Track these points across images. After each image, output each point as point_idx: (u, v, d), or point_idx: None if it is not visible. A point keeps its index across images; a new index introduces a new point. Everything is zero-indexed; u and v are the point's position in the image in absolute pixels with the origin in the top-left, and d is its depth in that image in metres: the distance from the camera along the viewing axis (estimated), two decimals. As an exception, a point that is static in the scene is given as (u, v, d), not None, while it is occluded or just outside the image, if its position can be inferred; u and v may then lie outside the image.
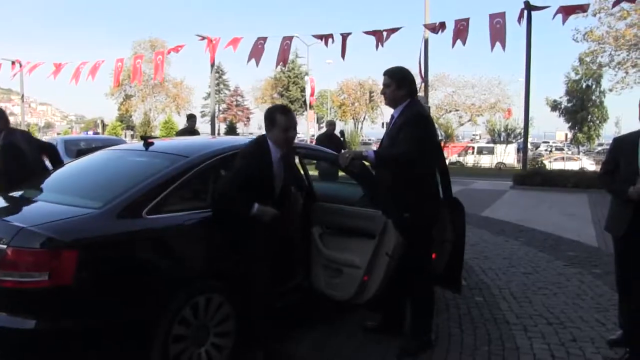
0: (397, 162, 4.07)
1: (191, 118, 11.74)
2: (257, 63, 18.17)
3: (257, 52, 18.27)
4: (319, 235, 4.49)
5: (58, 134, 51.96)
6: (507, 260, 7.22)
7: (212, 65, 23.17)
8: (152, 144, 4.35)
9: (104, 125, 44.12)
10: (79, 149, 9.82)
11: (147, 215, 3.43)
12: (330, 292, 4.34)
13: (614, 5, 17.33)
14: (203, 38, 21.45)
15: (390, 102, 4.24)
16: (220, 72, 67.50)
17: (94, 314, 3.11)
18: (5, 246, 2.97)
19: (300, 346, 4.28)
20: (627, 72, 30.32)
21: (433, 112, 41.74)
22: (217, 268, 3.80)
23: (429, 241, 4.24)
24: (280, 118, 3.86)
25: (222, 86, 69.00)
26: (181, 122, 53.48)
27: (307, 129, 43.83)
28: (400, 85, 4.15)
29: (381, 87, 4.28)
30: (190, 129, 11.27)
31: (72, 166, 4.51)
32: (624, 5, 17.77)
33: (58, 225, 3.11)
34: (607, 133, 49.54)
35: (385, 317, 4.56)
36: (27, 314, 2.98)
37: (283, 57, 18.59)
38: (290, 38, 18.49)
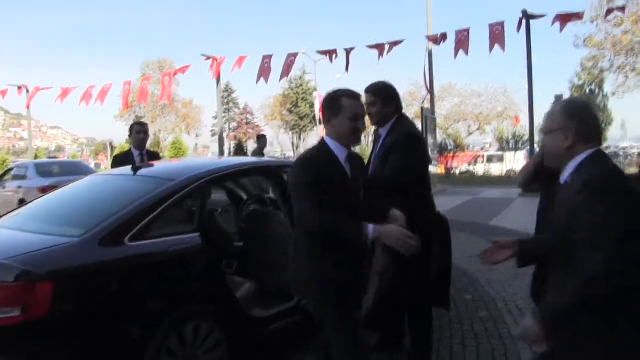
0: (384, 187, 3.89)
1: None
2: (267, 81, 18.25)
3: (264, 70, 18.36)
4: None
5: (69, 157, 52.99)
6: (513, 271, 7.05)
7: (218, 83, 23.26)
8: (139, 167, 4.30)
9: (112, 148, 44.41)
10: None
11: (129, 242, 3.33)
12: None
13: (606, 15, 18.11)
14: (208, 58, 21.52)
15: (378, 121, 4.05)
16: (230, 90, 67.90)
17: (71, 349, 3.00)
18: None
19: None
20: (627, 76, 32.13)
21: (441, 122, 41.63)
22: (205, 293, 3.70)
23: (422, 258, 4.08)
24: (348, 102, 2.96)
25: (231, 104, 69.36)
26: (191, 142, 53.85)
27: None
28: (386, 102, 3.98)
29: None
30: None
31: (55, 193, 4.42)
32: (619, 13, 18.45)
33: (34, 257, 3.01)
34: (613, 136, 49.51)
35: (384, 335, 4.43)
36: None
37: (287, 72, 18.66)
38: (295, 54, 18.58)
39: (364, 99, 3.98)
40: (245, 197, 5.40)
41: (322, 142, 3.05)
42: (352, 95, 3.00)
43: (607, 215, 2.04)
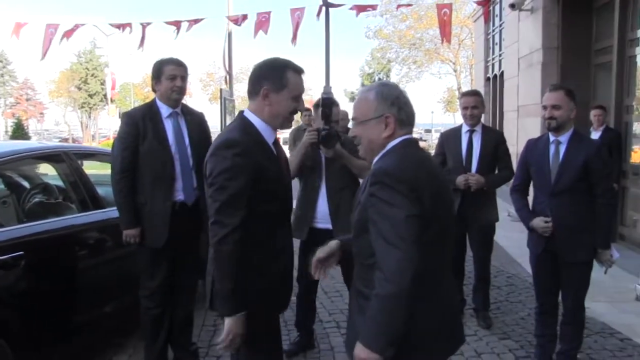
0: None
1: None
2: (45, 53, 16.38)
3: (48, 41, 16.50)
4: None
5: None
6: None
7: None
8: None
9: None
10: None
11: None
12: None
13: (397, 8, 19.73)
14: (-23, 23, 18.92)
15: None
16: (5, 61, 61.13)
17: None
18: None
19: None
20: (409, 68, 35.54)
21: (240, 104, 41.81)
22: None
23: None
24: (294, 78, 2.45)
25: (7, 77, 62.49)
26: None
27: (109, 124, 41.45)
28: None
29: (180, 78, 3.83)
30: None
31: None
32: (403, 9, 20.24)
33: None
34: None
35: None
36: None
37: (68, 35, 16.76)
38: (78, 26, 17.03)
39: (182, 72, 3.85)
40: (28, 186, 4.73)
41: (247, 122, 2.44)
42: (298, 70, 2.48)
43: (395, 210, 1.89)
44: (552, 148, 3.67)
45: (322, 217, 4.02)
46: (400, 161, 2.01)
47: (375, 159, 2.13)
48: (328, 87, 3.69)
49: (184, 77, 3.80)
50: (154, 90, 3.85)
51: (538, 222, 3.67)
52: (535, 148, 3.80)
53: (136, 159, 3.72)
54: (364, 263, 2.06)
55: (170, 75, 3.73)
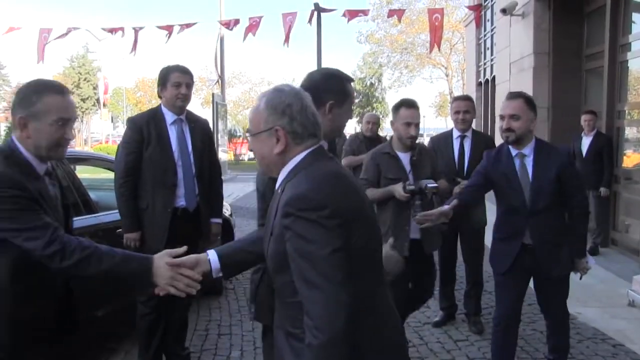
0: None
1: None
2: (42, 58, 16.26)
3: (42, 46, 16.40)
4: None
5: None
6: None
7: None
8: None
9: None
10: None
11: None
12: None
13: (389, 16, 19.80)
14: (-32, 27, 18.78)
15: None
16: (-1, 66, 60.88)
17: None
18: None
19: None
20: (401, 72, 35.60)
21: (231, 109, 41.92)
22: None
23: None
24: (352, 88, 2.33)
25: (1, 82, 62.19)
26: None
27: (101, 129, 41.33)
28: None
29: (185, 86, 3.89)
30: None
31: None
32: (396, 15, 20.38)
33: None
34: (388, 126, 54.73)
35: None
36: None
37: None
38: (70, 30, 16.98)
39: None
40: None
41: None
42: (351, 79, 2.36)
43: (315, 246, 1.62)
44: (517, 162, 3.47)
45: (414, 226, 3.94)
46: (313, 183, 1.69)
47: (281, 176, 1.83)
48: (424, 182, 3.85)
49: (189, 85, 3.88)
50: (159, 96, 3.94)
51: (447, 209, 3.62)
52: (498, 163, 3.54)
53: (140, 164, 3.79)
54: (287, 302, 1.79)
55: (175, 82, 3.81)
